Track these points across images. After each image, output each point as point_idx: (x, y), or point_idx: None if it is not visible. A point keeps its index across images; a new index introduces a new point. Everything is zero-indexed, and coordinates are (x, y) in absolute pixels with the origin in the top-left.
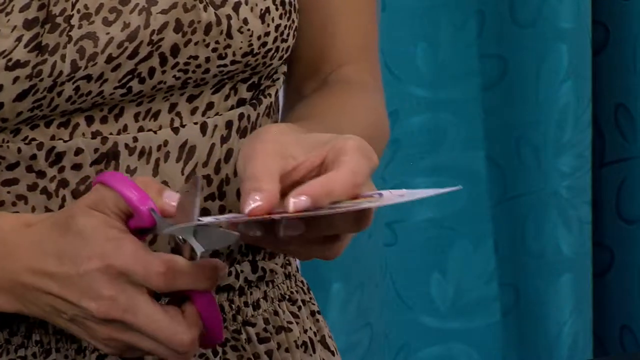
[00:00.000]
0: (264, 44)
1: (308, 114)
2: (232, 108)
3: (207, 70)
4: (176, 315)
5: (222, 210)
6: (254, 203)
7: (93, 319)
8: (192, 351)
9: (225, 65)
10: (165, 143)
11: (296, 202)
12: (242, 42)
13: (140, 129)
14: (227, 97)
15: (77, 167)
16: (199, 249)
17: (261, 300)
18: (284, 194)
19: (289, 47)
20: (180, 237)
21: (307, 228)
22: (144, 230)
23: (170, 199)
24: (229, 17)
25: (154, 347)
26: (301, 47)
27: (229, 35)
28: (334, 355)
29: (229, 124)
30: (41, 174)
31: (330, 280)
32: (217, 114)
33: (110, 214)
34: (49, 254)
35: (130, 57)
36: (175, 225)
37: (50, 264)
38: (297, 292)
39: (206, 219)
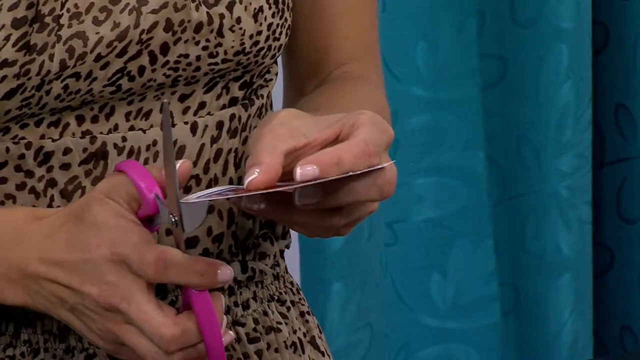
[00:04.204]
0: (256, 43)
1: (313, 107)
2: (223, 107)
3: (197, 69)
4: (168, 311)
5: (210, 210)
6: (251, 176)
7: (93, 306)
8: (171, 353)
9: (216, 64)
10: (154, 143)
11: (303, 171)
12: (233, 40)
13: (131, 128)
14: (219, 96)
15: (65, 166)
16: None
17: (251, 300)
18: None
19: (281, 45)
20: (173, 219)
21: (325, 196)
22: (151, 218)
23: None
24: (221, 16)
25: (138, 342)
26: (304, 47)
27: (220, 34)
28: (324, 355)
29: (219, 124)
30: (29, 174)
31: (330, 280)
32: (208, 113)
33: (122, 203)
34: (59, 244)
35: (119, 55)
36: (190, 197)
37: (60, 252)
38: (285, 292)
39: (209, 191)
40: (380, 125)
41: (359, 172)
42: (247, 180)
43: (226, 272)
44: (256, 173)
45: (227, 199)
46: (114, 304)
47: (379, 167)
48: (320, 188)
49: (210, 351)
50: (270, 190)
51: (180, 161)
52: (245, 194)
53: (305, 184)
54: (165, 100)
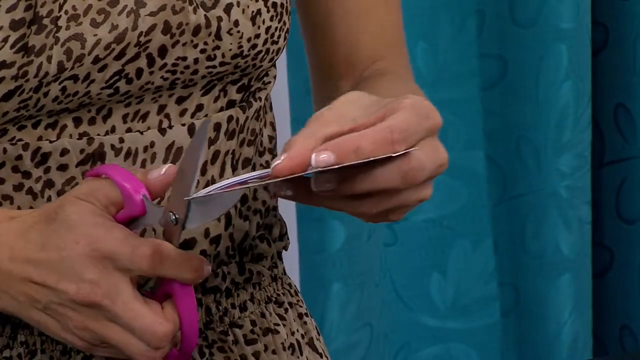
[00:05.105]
0: (254, 46)
1: None
2: (221, 110)
3: (195, 72)
4: (155, 307)
5: None
6: (277, 161)
7: (69, 304)
8: (161, 348)
9: (214, 67)
10: (152, 144)
11: (318, 158)
12: (231, 43)
13: (128, 130)
14: (216, 99)
15: (62, 167)
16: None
17: (248, 302)
18: None
19: (279, 49)
20: (174, 217)
21: (342, 182)
22: (133, 220)
23: (154, 173)
24: (219, 19)
25: (125, 341)
26: (335, 49)
27: (218, 36)
28: (322, 357)
29: (217, 126)
30: (27, 175)
31: (330, 280)
32: (206, 115)
33: (98, 205)
34: (32, 242)
35: (117, 57)
36: (201, 191)
37: (33, 251)
38: (283, 294)
39: (227, 181)
40: (421, 109)
41: (366, 160)
42: (273, 165)
43: (208, 269)
44: (281, 159)
45: (247, 187)
46: (95, 301)
47: (396, 154)
48: (334, 174)
49: (187, 338)
50: (284, 178)
51: (166, 166)
52: (271, 181)
53: (317, 169)
54: (205, 119)
